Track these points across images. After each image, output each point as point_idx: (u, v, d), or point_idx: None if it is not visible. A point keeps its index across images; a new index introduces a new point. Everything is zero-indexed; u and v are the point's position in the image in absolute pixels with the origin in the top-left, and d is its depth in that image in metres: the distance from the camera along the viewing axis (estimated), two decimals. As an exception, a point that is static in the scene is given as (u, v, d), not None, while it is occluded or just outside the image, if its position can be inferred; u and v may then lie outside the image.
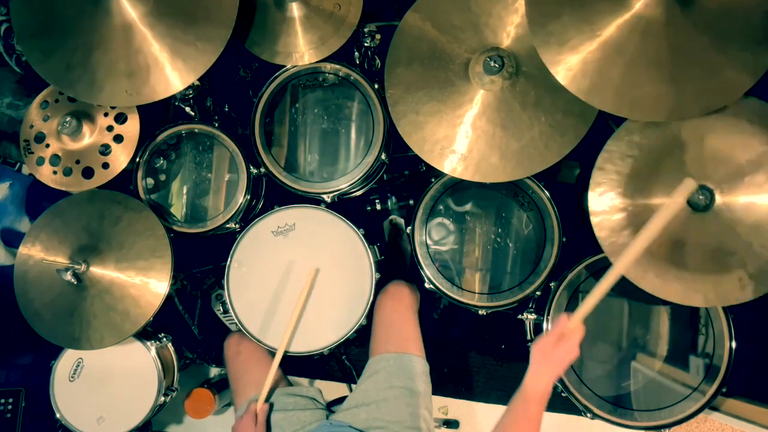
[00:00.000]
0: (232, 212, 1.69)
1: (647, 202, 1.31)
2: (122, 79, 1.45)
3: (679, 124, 1.30)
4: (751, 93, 1.23)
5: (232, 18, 1.44)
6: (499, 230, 1.65)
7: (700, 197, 1.26)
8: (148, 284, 1.56)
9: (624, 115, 1.26)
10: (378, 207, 1.97)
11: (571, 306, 1.55)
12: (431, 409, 1.44)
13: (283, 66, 1.66)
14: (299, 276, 1.58)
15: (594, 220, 1.33)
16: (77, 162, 1.61)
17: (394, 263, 2.06)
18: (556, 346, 1.12)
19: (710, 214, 1.27)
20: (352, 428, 1.35)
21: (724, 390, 1.43)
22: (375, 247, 1.65)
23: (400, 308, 1.56)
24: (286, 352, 1.54)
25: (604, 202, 1.33)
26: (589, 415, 1.49)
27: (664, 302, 1.52)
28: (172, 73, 1.44)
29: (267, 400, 1.46)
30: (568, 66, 1.26)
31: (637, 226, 1.31)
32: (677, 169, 1.30)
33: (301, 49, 1.61)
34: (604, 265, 1.54)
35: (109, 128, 1.62)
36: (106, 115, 1.62)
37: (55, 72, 1.47)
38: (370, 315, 1.59)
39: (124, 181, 1.68)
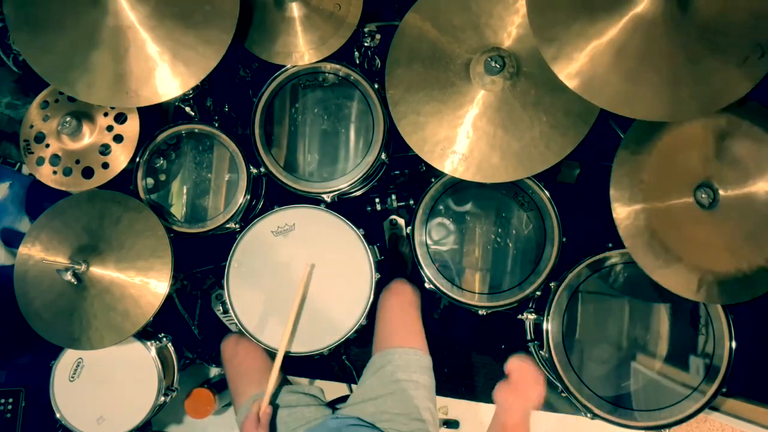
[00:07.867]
0: (232, 212, 1.69)
1: (664, 198, 1.35)
2: (123, 81, 1.43)
3: (694, 123, 1.33)
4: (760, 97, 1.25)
5: (233, 23, 1.44)
6: (499, 230, 1.65)
7: (703, 195, 1.28)
8: (148, 284, 1.56)
9: (625, 114, 1.26)
10: (378, 207, 1.97)
11: (571, 306, 1.55)
12: (435, 403, 1.45)
13: (283, 66, 1.66)
14: (299, 276, 1.58)
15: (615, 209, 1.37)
16: (77, 162, 1.61)
17: (394, 263, 2.06)
18: None
19: (715, 213, 1.30)
20: (359, 419, 1.36)
21: (724, 390, 1.44)
22: (375, 247, 1.65)
23: (404, 305, 1.57)
24: (287, 352, 1.54)
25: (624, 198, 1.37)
26: (589, 415, 1.49)
27: (665, 302, 1.52)
28: (172, 76, 1.43)
29: (271, 402, 1.45)
30: (571, 65, 1.26)
31: (651, 223, 1.35)
32: (693, 162, 1.34)
33: (301, 49, 1.61)
34: (604, 265, 1.55)
35: (109, 128, 1.62)
36: (106, 115, 1.62)
37: (54, 71, 1.45)
38: (370, 315, 1.59)
39: (124, 181, 1.68)
